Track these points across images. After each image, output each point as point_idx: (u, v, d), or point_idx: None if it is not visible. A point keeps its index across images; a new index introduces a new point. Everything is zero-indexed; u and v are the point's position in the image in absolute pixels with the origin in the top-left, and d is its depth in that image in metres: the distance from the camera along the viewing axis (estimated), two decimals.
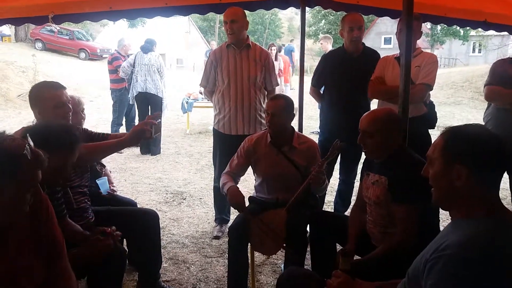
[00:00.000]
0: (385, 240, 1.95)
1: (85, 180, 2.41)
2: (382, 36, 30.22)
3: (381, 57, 3.14)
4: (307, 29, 27.99)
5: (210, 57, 3.41)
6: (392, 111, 2.11)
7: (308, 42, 27.06)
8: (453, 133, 1.28)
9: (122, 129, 6.85)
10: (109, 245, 1.93)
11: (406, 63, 2.17)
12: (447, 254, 1.12)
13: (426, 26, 22.39)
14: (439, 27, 25.83)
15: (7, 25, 6.14)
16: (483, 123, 3.17)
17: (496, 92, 2.95)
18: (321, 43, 7.50)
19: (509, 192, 3.36)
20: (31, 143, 1.31)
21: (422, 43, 32.65)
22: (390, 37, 29.99)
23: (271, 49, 8.35)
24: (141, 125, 2.21)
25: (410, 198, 1.85)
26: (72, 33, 20.33)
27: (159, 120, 2.31)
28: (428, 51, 29.57)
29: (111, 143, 2.26)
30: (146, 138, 2.23)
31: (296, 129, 2.81)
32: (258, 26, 36.24)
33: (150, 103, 6.24)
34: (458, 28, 23.28)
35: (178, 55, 31.75)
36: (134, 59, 6.23)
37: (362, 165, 2.31)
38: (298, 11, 3.81)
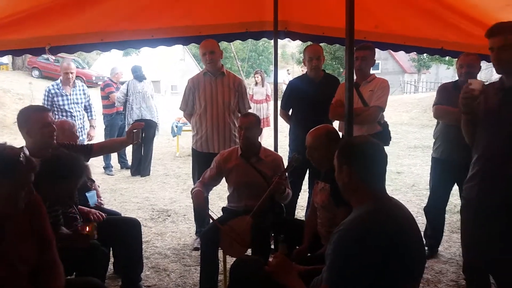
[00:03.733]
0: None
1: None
2: None
3: (341, 82, 3.54)
4: (297, 55, 28.96)
5: (189, 83, 3.78)
6: (331, 128, 2.50)
7: (297, 68, 27.76)
8: (343, 143, 1.70)
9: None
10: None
11: (349, 87, 2.51)
12: (340, 229, 1.49)
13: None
14: None
15: None
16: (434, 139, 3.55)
17: (443, 111, 3.31)
18: (302, 70, 7.97)
19: (459, 201, 3.70)
20: (27, 152, 1.66)
21: (409, 68, 33.64)
22: (378, 62, 30.94)
23: (256, 76, 8.87)
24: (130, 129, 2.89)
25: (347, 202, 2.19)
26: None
27: (141, 130, 2.91)
28: (415, 75, 30.13)
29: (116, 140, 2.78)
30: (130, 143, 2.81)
31: (273, 145, 3.17)
32: (252, 53, 37.07)
33: (145, 128, 6.53)
34: None
35: (172, 82, 32.41)
36: (127, 88, 6.56)
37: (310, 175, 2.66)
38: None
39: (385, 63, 32.89)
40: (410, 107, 15.55)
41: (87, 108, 5.65)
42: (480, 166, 2.23)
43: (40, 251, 1.81)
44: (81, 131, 5.36)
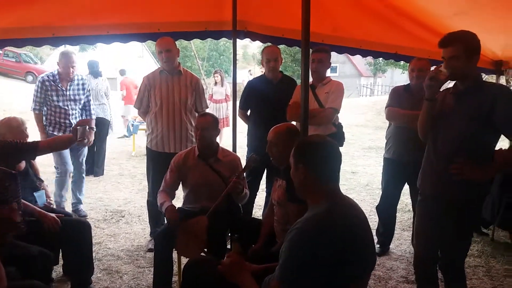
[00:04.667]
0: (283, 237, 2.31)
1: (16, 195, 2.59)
2: None
3: (298, 84, 3.59)
4: (258, 56, 29.14)
5: (144, 81, 3.69)
6: (292, 126, 2.53)
7: (258, 69, 27.93)
8: (299, 142, 1.71)
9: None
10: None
11: (305, 89, 2.54)
12: (295, 227, 1.50)
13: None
14: None
15: None
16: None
17: (395, 112, 3.43)
18: (261, 71, 8.00)
19: (410, 200, 3.87)
20: None
21: (365, 71, 34.71)
22: (336, 66, 31.72)
23: (216, 75, 8.83)
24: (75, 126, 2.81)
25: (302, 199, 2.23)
26: (19, 56, 19.88)
27: (86, 126, 2.82)
28: (371, 79, 31.08)
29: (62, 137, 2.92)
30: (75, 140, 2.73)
31: (231, 145, 3.14)
32: (213, 52, 36.83)
33: (98, 126, 6.34)
34: None
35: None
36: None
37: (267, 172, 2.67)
38: None
39: (342, 67, 33.77)
40: (366, 109, 16.04)
41: (86, 106, 4.58)
42: (433, 164, 2.36)
43: None
44: None
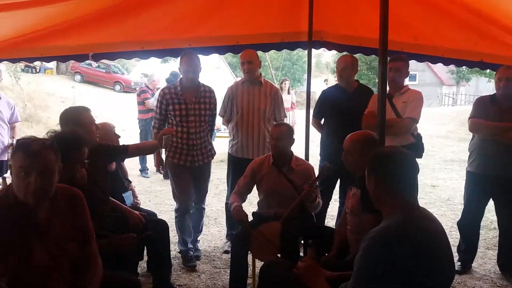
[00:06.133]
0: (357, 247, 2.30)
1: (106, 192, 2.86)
2: None
3: (374, 93, 3.55)
4: (332, 65, 28.85)
5: (228, 91, 3.91)
6: (369, 134, 2.48)
7: (332, 77, 27.63)
8: (373, 153, 1.71)
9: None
10: (132, 242, 2.41)
11: (381, 98, 2.52)
12: (369, 237, 1.52)
13: None
14: None
15: None
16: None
17: (479, 124, 3.26)
18: (336, 80, 7.97)
19: (495, 217, 3.62)
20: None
21: (447, 79, 32.71)
22: (415, 74, 30.27)
23: (284, 84, 8.96)
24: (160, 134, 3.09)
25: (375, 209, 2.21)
26: (109, 67, 21.69)
27: (171, 135, 3.10)
28: (454, 88, 29.21)
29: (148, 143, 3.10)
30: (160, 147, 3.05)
31: (303, 154, 3.19)
32: (286, 62, 37.22)
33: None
34: None
35: None
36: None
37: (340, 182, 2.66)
38: None
39: (422, 74, 32.11)
40: (448, 119, 15.17)
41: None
42: None
43: (81, 245, 1.92)
44: None
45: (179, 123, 3.46)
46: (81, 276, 1.91)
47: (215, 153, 3.80)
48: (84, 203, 1.97)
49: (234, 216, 2.94)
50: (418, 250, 1.45)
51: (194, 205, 3.75)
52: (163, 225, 3.06)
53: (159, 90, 6.90)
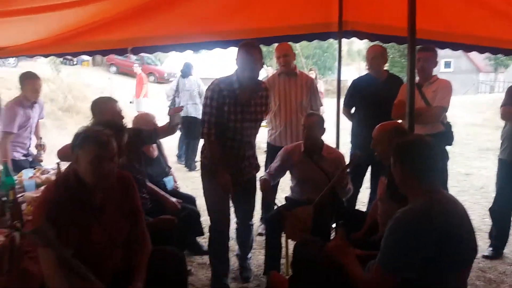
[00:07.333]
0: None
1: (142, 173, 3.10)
2: (441, 60, 29.73)
3: (404, 83, 3.60)
4: (363, 52, 28.29)
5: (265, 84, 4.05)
6: (398, 125, 2.58)
7: (363, 65, 27.20)
8: (399, 142, 1.84)
9: None
10: (172, 221, 2.66)
11: (410, 87, 2.59)
12: (395, 217, 1.65)
13: None
14: None
15: None
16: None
17: (510, 112, 3.27)
18: (367, 68, 7.92)
19: None
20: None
21: (484, 66, 31.44)
22: (450, 61, 29.27)
23: (310, 72, 8.96)
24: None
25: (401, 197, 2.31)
26: (142, 58, 22.17)
27: (178, 113, 3.36)
28: (491, 75, 28.05)
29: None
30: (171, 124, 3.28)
31: (334, 142, 3.27)
32: (316, 50, 36.73)
33: (190, 124, 6.75)
34: None
35: None
36: (176, 84, 6.88)
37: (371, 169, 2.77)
38: None
39: (457, 61, 31.00)
40: (484, 107, 14.73)
41: None
42: None
43: (132, 223, 2.14)
44: None
45: (232, 128, 2.81)
46: (132, 252, 2.12)
47: (259, 167, 3.19)
48: (134, 185, 2.18)
49: (260, 184, 3.10)
50: (439, 230, 1.58)
51: (239, 222, 3.28)
52: (194, 212, 3.33)
53: (174, 80, 6.97)
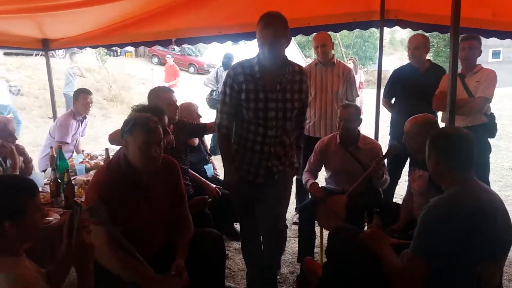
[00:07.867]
0: None
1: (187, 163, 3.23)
2: (489, 50, 28.21)
3: (446, 73, 3.52)
4: (406, 41, 27.35)
5: None
6: (429, 118, 2.55)
7: (406, 55, 26.36)
8: (435, 132, 1.86)
9: None
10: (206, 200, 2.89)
11: (452, 78, 2.55)
12: (428, 205, 1.69)
13: None
14: None
15: None
16: None
17: None
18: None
19: None
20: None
21: None
22: (499, 50, 27.76)
23: (349, 62, 8.81)
24: None
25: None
26: (183, 50, 22.58)
27: None
28: None
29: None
30: None
31: (373, 133, 3.23)
32: (357, 39, 35.95)
33: None
34: None
35: None
36: (215, 74, 6.91)
37: (409, 161, 2.76)
38: None
39: (507, 51, 29.33)
40: None
41: None
42: None
43: (176, 205, 2.27)
44: None
45: (253, 120, 2.37)
46: (175, 232, 2.25)
47: (298, 168, 2.71)
48: (179, 169, 2.31)
49: (311, 192, 3.15)
50: (471, 218, 1.60)
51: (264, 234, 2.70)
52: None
53: (213, 71, 6.93)
